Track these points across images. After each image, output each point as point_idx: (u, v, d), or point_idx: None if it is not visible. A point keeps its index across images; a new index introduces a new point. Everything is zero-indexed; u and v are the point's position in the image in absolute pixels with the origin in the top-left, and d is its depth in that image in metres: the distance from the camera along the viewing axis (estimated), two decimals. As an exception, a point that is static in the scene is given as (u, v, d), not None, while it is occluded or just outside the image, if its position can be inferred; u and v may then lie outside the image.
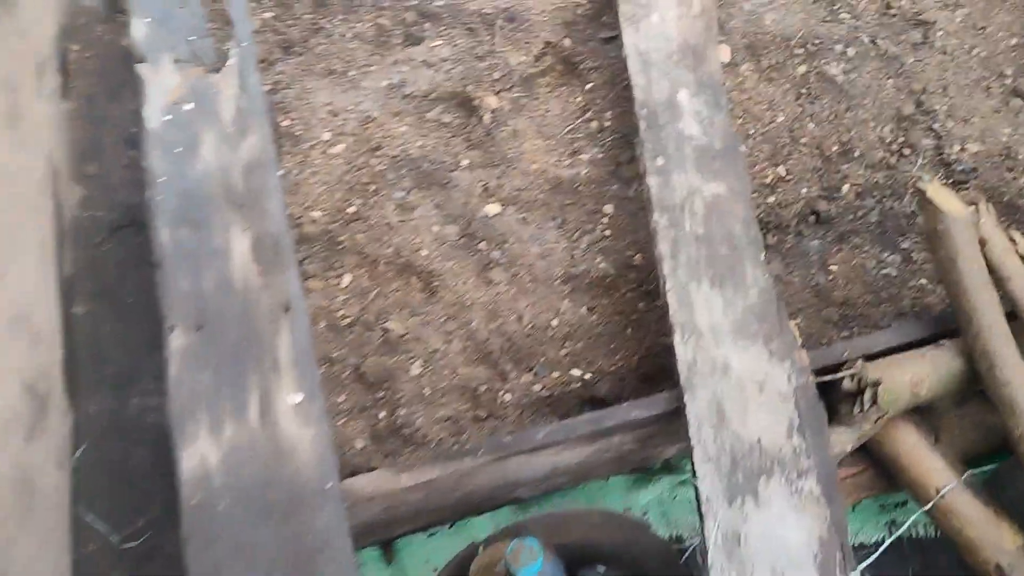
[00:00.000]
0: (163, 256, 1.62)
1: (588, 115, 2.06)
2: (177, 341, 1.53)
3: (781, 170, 1.98)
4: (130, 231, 2.03)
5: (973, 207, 1.55)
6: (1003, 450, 1.56)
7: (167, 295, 1.58)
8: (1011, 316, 1.50)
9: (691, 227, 1.67)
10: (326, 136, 2.02)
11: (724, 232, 1.66)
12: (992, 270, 1.50)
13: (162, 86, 1.80)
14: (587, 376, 1.80)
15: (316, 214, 1.91)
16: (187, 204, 1.66)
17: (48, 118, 2.02)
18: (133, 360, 1.84)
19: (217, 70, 1.86)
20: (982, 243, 1.51)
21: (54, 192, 1.96)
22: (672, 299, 1.59)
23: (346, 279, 1.84)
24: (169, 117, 1.77)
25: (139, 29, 1.90)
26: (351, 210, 1.91)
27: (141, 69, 1.83)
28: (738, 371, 1.51)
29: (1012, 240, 1.54)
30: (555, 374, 1.80)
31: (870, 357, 1.57)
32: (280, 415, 1.49)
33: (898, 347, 1.59)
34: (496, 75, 2.06)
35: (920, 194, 1.56)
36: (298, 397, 1.51)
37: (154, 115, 1.77)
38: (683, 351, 1.53)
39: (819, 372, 1.54)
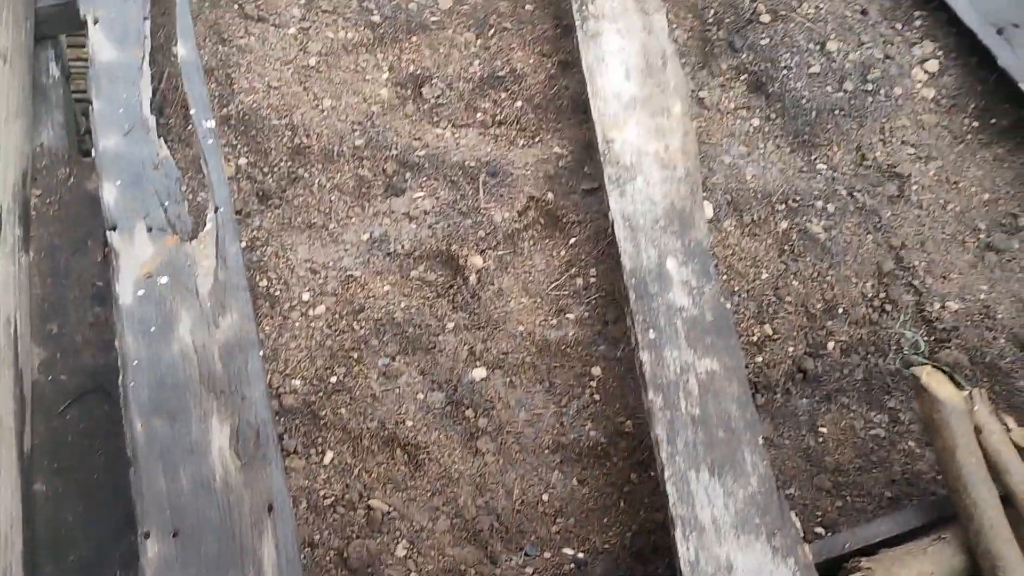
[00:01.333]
0: (136, 452, 1.53)
1: (573, 271, 2.04)
2: (152, 549, 1.44)
3: (768, 328, 1.98)
4: (95, 397, 1.93)
5: (967, 393, 1.55)
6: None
7: (141, 497, 1.49)
8: (1005, 499, 1.49)
9: (687, 408, 1.64)
10: (306, 296, 1.96)
11: (720, 413, 1.64)
12: (988, 459, 1.49)
13: (135, 258, 1.73)
14: (580, 555, 1.74)
15: (297, 383, 1.84)
16: (162, 392, 1.58)
17: (8, 276, 1.93)
18: (98, 547, 1.73)
19: (193, 238, 1.80)
20: (977, 431, 1.51)
21: (15, 358, 1.86)
22: (671, 490, 1.55)
23: (328, 456, 1.77)
24: (143, 292, 1.70)
25: (109, 193, 1.84)
26: (333, 380, 1.84)
27: (112, 238, 1.76)
28: (743, 570, 1.46)
29: (1005, 426, 1.54)
30: (547, 554, 1.73)
31: (871, 547, 1.54)
32: (263, 629, 1.40)
33: (898, 535, 1.56)
34: (481, 233, 2.03)
35: (915, 380, 1.56)
36: (283, 609, 1.42)
37: (127, 290, 1.70)
38: (685, 549, 1.48)
39: (822, 567, 1.50)
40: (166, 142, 1.97)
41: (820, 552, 1.53)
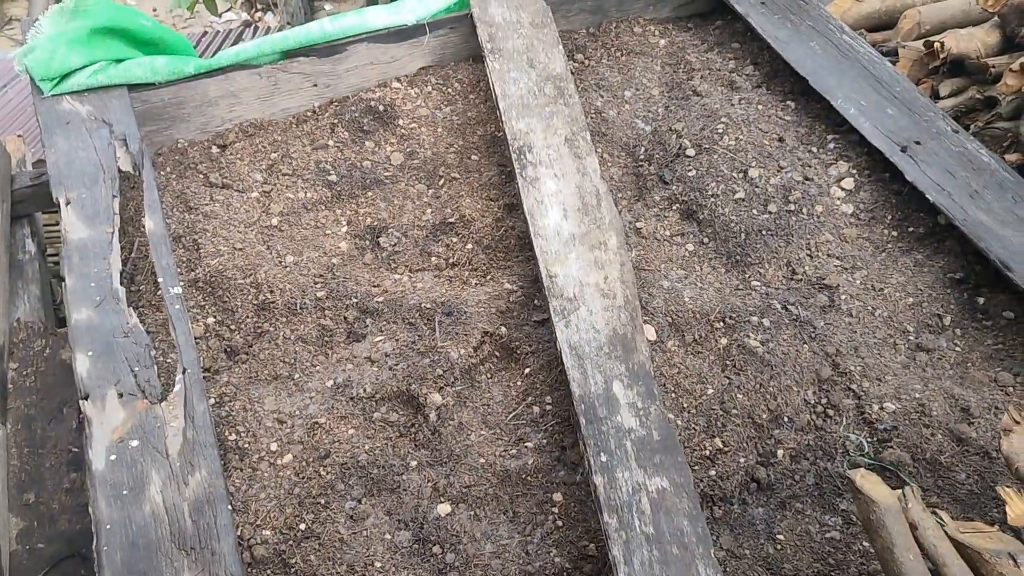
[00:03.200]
0: (111, 615, 1.57)
1: (529, 400, 2.14)
2: None
3: (718, 442, 2.07)
4: (71, 563, 1.97)
5: (900, 492, 1.63)
6: None
7: (115, 661, 1.52)
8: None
9: (641, 527, 1.71)
10: (274, 447, 2.04)
11: (674, 530, 1.71)
12: (926, 554, 1.56)
13: (107, 424, 1.82)
14: None
15: (267, 533, 1.90)
16: (134, 554, 1.64)
17: (-13, 451, 2.01)
18: None
19: (163, 400, 1.89)
20: (913, 528, 1.59)
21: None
22: (631, 611, 1.60)
23: (300, 604, 1.81)
24: (114, 457, 1.78)
25: (82, 364, 1.94)
26: (302, 527, 1.90)
27: (85, 407, 1.85)
28: None
29: (940, 521, 1.62)
30: None
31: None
32: None
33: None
34: (439, 371, 2.14)
35: (850, 483, 1.65)
36: None
37: (99, 456, 1.78)
38: (648, 669, 1.53)
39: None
40: (135, 309, 2.10)
41: (779, 660, 1.58)
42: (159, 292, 2.17)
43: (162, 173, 2.65)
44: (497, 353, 2.23)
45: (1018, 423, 1.76)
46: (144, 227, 2.29)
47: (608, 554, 1.70)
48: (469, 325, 2.24)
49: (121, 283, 2.12)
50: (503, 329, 2.25)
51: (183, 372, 1.93)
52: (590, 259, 2.19)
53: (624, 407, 1.90)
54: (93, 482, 1.74)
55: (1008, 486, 1.70)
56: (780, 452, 2.07)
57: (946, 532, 1.60)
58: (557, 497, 1.98)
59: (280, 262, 2.43)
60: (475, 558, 1.89)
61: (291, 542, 1.87)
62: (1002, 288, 2.28)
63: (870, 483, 1.63)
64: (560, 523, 1.95)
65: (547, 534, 1.94)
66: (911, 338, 2.25)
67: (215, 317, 2.31)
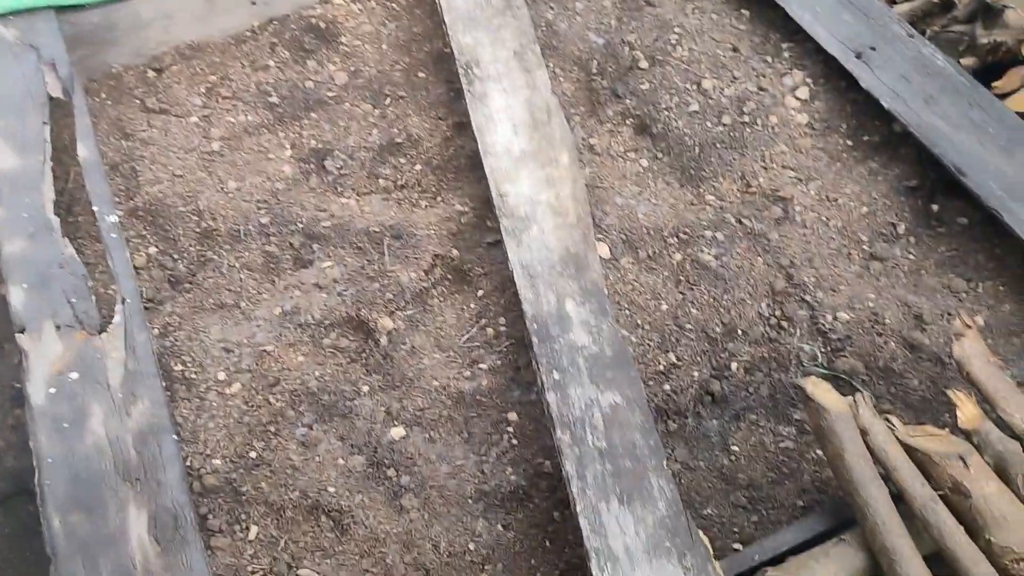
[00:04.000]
0: (56, 549, 1.54)
1: (483, 322, 2.11)
2: (75, 645, 1.45)
3: (672, 356, 2.06)
4: (20, 500, 1.94)
5: (850, 398, 1.64)
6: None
7: (62, 593, 1.50)
8: (899, 499, 1.57)
9: (593, 442, 1.71)
10: (221, 376, 2.00)
11: (626, 444, 1.70)
12: (876, 459, 1.57)
13: (45, 357, 1.76)
14: (511, 599, 1.78)
15: (217, 462, 1.87)
16: (78, 487, 1.60)
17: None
18: (28, 651, 1.72)
19: (102, 331, 1.83)
20: (863, 433, 1.60)
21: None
22: (584, 523, 1.60)
23: (253, 531, 1.79)
24: (54, 390, 1.72)
25: (16, 296, 1.87)
26: (252, 455, 1.87)
27: (21, 340, 1.79)
28: (657, 593, 1.52)
29: (890, 425, 1.63)
30: (478, 602, 1.77)
31: (779, 556, 1.61)
32: None
33: (804, 541, 1.63)
34: (389, 295, 2.10)
35: (801, 391, 1.64)
36: None
37: (38, 390, 1.72)
38: (601, 580, 1.54)
39: (735, 582, 1.57)
40: (71, 241, 2.01)
41: (730, 568, 1.59)
42: (94, 224, 2.08)
43: (96, 99, 2.53)
44: (449, 276, 2.19)
45: (970, 328, 1.77)
46: (77, 156, 2.18)
47: (561, 469, 1.70)
48: (419, 248, 2.19)
49: (56, 213, 2.03)
50: (454, 251, 2.20)
51: (123, 303, 1.86)
52: (541, 176, 2.14)
53: (576, 324, 1.87)
54: (32, 416, 1.69)
55: (959, 390, 1.71)
56: (734, 365, 2.07)
57: (896, 437, 1.61)
58: (512, 417, 1.97)
59: (222, 188, 2.34)
60: (430, 479, 1.88)
61: (241, 470, 1.84)
62: (956, 195, 2.27)
63: (821, 391, 1.63)
64: (515, 442, 1.94)
65: (502, 453, 1.93)
66: (865, 248, 2.24)
67: (157, 247, 2.24)
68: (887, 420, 1.65)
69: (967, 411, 1.63)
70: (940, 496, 1.52)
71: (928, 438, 1.59)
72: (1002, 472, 1.56)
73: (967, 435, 1.63)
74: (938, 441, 1.58)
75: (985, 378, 1.68)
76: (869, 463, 1.56)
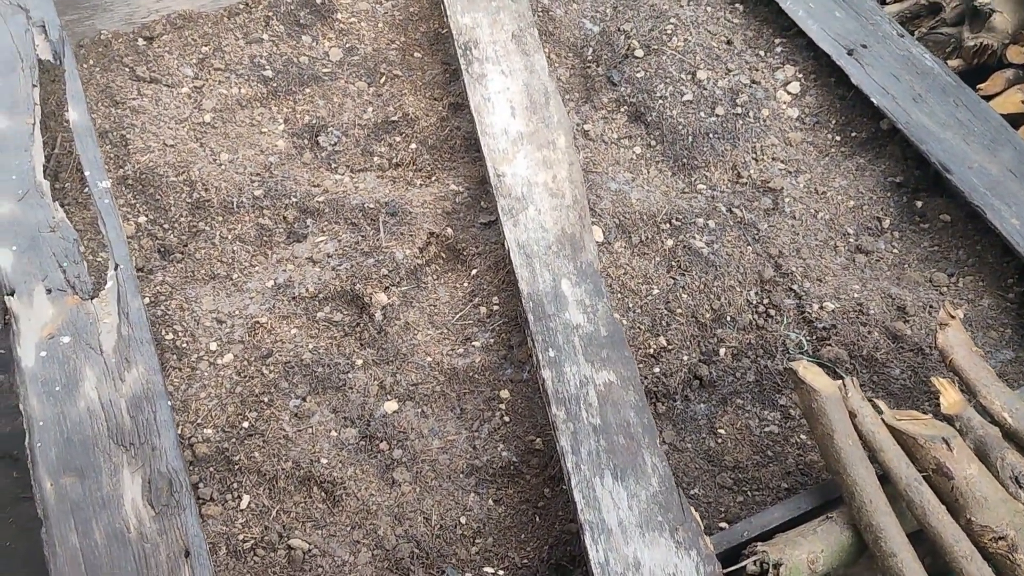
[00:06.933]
0: (47, 511, 1.53)
1: (476, 300, 2.12)
2: (68, 606, 1.44)
3: (662, 340, 2.09)
4: (2, 465, 1.91)
5: (840, 382, 1.67)
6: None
7: (54, 555, 1.48)
8: (884, 479, 1.61)
9: (588, 419, 1.73)
10: (213, 346, 1.99)
11: (620, 421, 1.73)
12: (864, 441, 1.61)
13: (35, 321, 1.74)
14: (500, 572, 1.79)
15: (209, 432, 1.86)
16: (70, 450, 1.58)
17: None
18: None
19: (94, 296, 1.81)
20: (852, 416, 1.64)
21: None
22: (578, 497, 1.62)
23: (245, 500, 1.79)
24: (45, 353, 1.70)
25: (5, 258, 1.84)
26: (245, 425, 1.87)
27: (11, 303, 1.76)
28: (649, 566, 1.54)
29: (878, 409, 1.67)
30: (468, 575, 1.78)
31: (766, 533, 1.64)
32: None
33: (791, 519, 1.67)
34: (384, 271, 2.10)
35: (792, 374, 1.68)
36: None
37: (28, 353, 1.70)
38: (594, 553, 1.56)
39: (723, 556, 1.60)
40: (62, 205, 1.99)
41: (720, 543, 1.62)
42: (86, 190, 2.06)
43: (85, 66, 2.50)
44: (443, 254, 2.19)
45: (953, 318, 1.82)
46: (67, 120, 2.16)
47: (556, 445, 1.72)
48: (414, 226, 2.19)
49: (45, 177, 2.00)
50: (449, 230, 2.21)
51: (115, 268, 1.85)
52: (538, 158, 2.15)
53: (572, 304, 1.89)
54: (23, 379, 1.67)
55: (943, 377, 1.76)
56: (722, 350, 2.10)
57: (883, 420, 1.65)
58: (504, 394, 1.98)
59: (215, 160, 2.32)
60: (422, 453, 1.89)
61: (234, 440, 1.84)
62: (940, 192, 2.32)
63: (812, 374, 1.67)
64: (507, 419, 1.95)
65: (494, 429, 1.94)
66: (851, 240, 2.28)
67: (147, 216, 2.22)
68: (874, 404, 1.69)
69: (950, 397, 1.68)
70: (924, 477, 1.56)
71: (913, 422, 1.63)
72: (983, 456, 1.60)
73: (950, 420, 1.67)
74: (923, 425, 1.62)
75: (967, 366, 1.72)
76: (857, 444, 1.60)
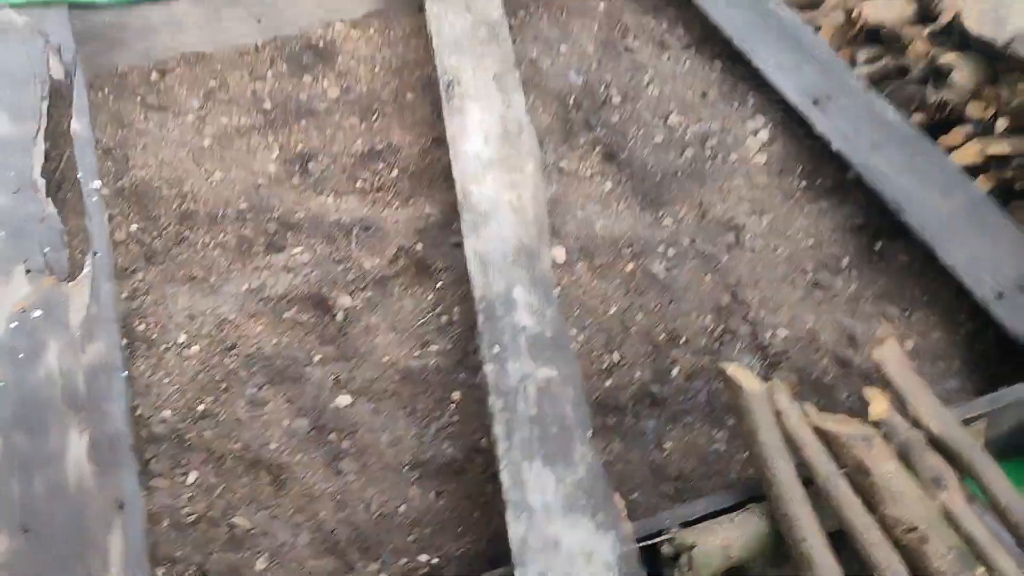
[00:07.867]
0: (-5, 462, 1.61)
1: (439, 310, 2.21)
2: (2, 545, 1.50)
3: (615, 356, 2.14)
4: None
5: (768, 383, 1.72)
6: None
7: (-4, 502, 1.55)
8: (809, 482, 1.63)
9: (524, 409, 1.78)
10: (182, 339, 2.09)
11: (556, 413, 1.78)
12: (787, 438, 1.64)
13: (10, 297, 1.86)
14: (434, 561, 1.81)
15: (166, 414, 1.94)
16: (24, 410, 1.68)
17: None
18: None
19: (71, 279, 1.93)
20: (779, 415, 1.67)
21: None
22: (506, 477, 1.66)
23: (192, 476, 1.85)
24: (15, 325, 1.81)
25: (-8, 242, 1.98)
26: (201, 408, 1.95)
27: (-8, 280, 1.89)
28: (568, 545, 1.57)
29: (805, 412, 1.70)
30: (402, 561, 1.80)
31: (688, 524, 1.66)
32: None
33: (714, 513, 1.69)
34: (351, 276, 2.20)
35: (723, 373, 1.73)
36: (127, 598, 1.47)
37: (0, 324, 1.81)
38: (516, 529, 1.59)
39: (642, 540, 1.61)
40: (54, 202, 2.14)
41: (642, 528, 1.64)
42: (78, 191, 2.21)
43: (100, 94, 2.70)
44: (412, 268, 2.29)
45: (891, 336, 1.86)
46: (71, 132, 2.33)
47: (490, 433, 1.77)
48: (386, 240, 2.31)
49: (42, 175, 2.16)
50: (419, 246, 2.31)
51: (93, 255, 1.97)
52: (506, 180, 2.27)
53: (522, 307, 1.97)
54: (-9, 347, 1.77)
55: (877, 388, 1.79)
56: (675, 371, 2.15)
57: (810, 423, 1.69)
58: (456, 396, 2.04)
59: (207, 178, 2.48)
60: (371, 446, 1.95)
61: (189, 421, 1.91)
62: (899, 235, 2.39)
63: (741, 374, 1.72)
64: (456, 419, 2.01)
65: (442, 428, 1.99)
66: (809, 275, 2.34)
67: (138, 224, 2.36)
68: (802, 407, 1.72)
69: (877, 405, 1.71)
70: (844, 474, 1.58)
71: (838, 423, 1.66)
72: (905, 458, 1.62)
73: (876, 426, 1.70)
74: (847, 425, 1.65)
75: (898, 377, 1.76)
76: (779, 440, 1.63)
